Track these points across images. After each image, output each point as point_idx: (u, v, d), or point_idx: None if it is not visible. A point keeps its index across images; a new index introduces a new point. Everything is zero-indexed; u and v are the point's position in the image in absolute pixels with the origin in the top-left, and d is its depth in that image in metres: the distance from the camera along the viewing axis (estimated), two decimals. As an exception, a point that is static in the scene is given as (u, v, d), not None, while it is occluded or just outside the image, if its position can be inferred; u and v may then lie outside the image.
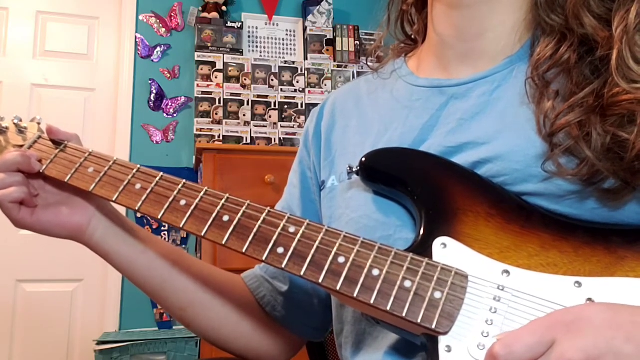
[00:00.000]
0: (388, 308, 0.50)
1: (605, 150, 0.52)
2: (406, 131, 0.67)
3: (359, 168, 0.63)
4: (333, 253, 0.55)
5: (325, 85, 2.87)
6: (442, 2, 0.68)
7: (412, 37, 0.81)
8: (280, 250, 0.57)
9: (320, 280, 0.54)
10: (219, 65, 2.78)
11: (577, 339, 0.41)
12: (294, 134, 2.79)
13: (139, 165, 0.67)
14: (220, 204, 0.61)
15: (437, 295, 0.50)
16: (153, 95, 2.80)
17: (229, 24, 2.85)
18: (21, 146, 0.72)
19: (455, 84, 0.67)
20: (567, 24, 0.58)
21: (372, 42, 2.90)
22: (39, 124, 0.75)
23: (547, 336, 0.42)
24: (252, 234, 0.58)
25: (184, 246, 2.70)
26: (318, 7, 2.97)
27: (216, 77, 2.76)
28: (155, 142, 2.78)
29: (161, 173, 0.65)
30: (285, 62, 2.87)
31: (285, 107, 2.81)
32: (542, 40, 0.61)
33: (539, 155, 0.56)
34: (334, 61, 2.92)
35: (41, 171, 0.69)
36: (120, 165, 0.67)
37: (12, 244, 2.55)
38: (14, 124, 0.74)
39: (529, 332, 0.43)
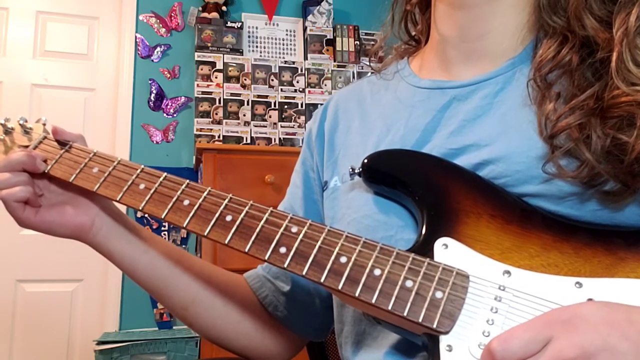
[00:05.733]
0: (389, 307, 0.51)
1: (605, 152, 0.52)
2: (408, 132, 0.68)
3: (360, 169, 0.63)
4: (335, 253, 0.55)
5: (325, 85, 2.88)
6: (445, 2, 0.68)
7: (415, 37, 0.82)
8: (283, 249, 0.57)
9: (322, 280, 0.54)
10: (219, 65, 2.78)
11: (573, 335, 0.41)
12: (294, 134, 2.79)
13: (142, 166, 0.67)
14: (224, 204, 0.61)
15: (439, 295, 0.51)
16: (153, 95, 2.81)
17: (229, 24, 2.85)
18: (26, 146, 0.73)
19: (457, 86, 0.67)
20: (569, 26, 0.59)
21: (372, 42, 2.92)
22: (44, 124, 0.75)
23: (544, 333, 0.42)
24: (255, 234, 0.59)
25: (184, 246, 2.70)
26: (318, 7, 2.97)
27: (216, 77, 2.77)
28: (155, 142, 2.78)
29: (165, 173, 0.66)
30: (285, 62, 2.88)
31: (285, 107, 2.82)
32: (544, 42, 0.61)
33: (540, 157, 0.56)
34: (334, 61, 2.92)
35: (46, 171, 0.69)
36: (124, 166, 0.68)
37: (12, 244, 2.55)
38: (20, 124, 0.75)
39: (525, 329, 0.43)
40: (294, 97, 2.84)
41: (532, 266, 0.52)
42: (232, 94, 2.77)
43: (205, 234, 0.60)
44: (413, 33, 0.81)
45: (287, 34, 3.00)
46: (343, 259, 0.55)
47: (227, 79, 2.78)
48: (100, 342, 2.26)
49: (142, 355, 2.25)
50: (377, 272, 0.53)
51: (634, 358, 0.40)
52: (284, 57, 2.93)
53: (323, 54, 2.93)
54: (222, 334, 0.78)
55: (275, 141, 2.76)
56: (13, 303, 2.60)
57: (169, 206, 0.63)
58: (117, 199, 0.66)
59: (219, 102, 2.75)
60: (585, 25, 0.57)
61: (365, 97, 0.79)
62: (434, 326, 0.49)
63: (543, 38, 0.62)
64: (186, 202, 0.63)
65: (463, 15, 0.67)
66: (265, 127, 2.77)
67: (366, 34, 3.02)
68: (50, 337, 2.60)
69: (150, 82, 2.81)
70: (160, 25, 2.88)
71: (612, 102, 0.52)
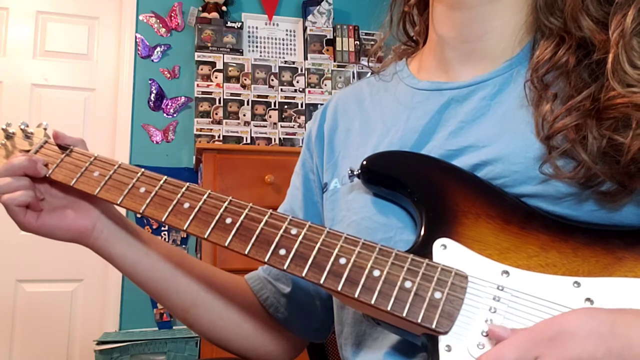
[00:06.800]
0: (389, 308, 0.51)
1: (601, 153, 0.52)
2: (407, 134, 0.68)
3: (359, 171, 0.64)
4: (334, 254, 0.55)
5: (325, 85, 2.88)
6: (443, 3, 0.68)
7: (414, 38, 0.82)
8: (282, 251, 0.57)
9: (321, 281, 0.55)
10: (219, 65, 2.78)
11: (561, 353, 0.42)
12: (294, 134, 2.79)
13: (143, 169, 0.68)
14: (223, 207, 0.62)
15: (437, 295, 0.51)
16: (153, 95, 2.81)
17: (229, 24, 2.85)
18: (28, 151, 0.73)
19: (455, 87, 0.67)
20: (566, 27, 0.59)
21: (372, 42, 2.92)
22: (45, 129, 0.76)
23: (531, 352, 0.42)
24: (255, 236, 0.59)
25: (184, 246, 2.70)
26: (318, 7, 2.97)
27: (216, 77, 2.77)
28: (155, 142, 2.78)
29: (165, 177, 0.66)
30: (285, 62, 2.88)
31: (285, 107, 2.82)
32: (541, 43, 0.61)
33: (538, 158, 0.56)
34: (334, 61, 2.92)
35: (47, 175, 0.70)
36: (124, 169, 0.68)
37: (12, 244, 2.56)
38: (21, 129, 0.75)
39: (512, 348, 0.43)
40: (294, 97, 2.84)
41: (531, 266, 0.52)
42: (232, 94, 2.77)
43: (206, 236, 0.60)
44: (411, 34, 0.82)
45: (287, 34, 3.00)
46: (342, 260, 0.55)
47: (227, 79, 2.78)
48: (100, 342, 2.26)
49: (142, 355, 2.25)
50: (376, 273, 0.53)
51: None
52: (284, 57, 2.93)
53: (323, 54, 2.93)
54: (223, 335, 0.78)
55: (275, 141, 2.76)
56: (13, 303, 2.60)
57: (169, 209, 0.64)
58: (118, 202, 0.66)
59: (219, 102, 2.75)
60: (582, 27, 0.57)
61: (365, 99, 0.79)
62: (433, 326, 0.50)
63: (540, 39, 0.62)
64: (186, 205, 0.63)
65: (461, 15, 0.67)
66: (265, 127, 2.77)
67: (366, 34, 3.02)
68: (50, 337, 2.60)
69: (150, 82, 2.81)
70: (160, 25, 2.88)
71: (608, 103, 0.53)
